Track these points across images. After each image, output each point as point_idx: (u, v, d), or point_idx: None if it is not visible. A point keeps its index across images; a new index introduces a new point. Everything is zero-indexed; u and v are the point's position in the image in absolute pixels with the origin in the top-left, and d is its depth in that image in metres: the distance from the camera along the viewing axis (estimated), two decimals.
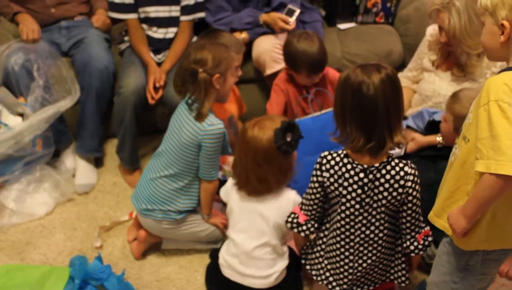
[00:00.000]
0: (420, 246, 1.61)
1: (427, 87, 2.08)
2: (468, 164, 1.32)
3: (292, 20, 2.47)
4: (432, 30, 2.13)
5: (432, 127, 2.00)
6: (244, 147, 1.69)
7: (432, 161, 1.93)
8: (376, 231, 1.58)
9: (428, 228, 1.61)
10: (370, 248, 1.60)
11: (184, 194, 1.97)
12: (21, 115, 2.30)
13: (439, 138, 1.94)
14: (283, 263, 1.80)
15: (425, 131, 2.03)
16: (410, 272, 1.72)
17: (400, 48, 2.78)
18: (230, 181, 1.83)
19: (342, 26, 2.84)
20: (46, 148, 2.32)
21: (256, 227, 1.73)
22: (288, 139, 1.65)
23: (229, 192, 1.82)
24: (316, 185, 1.59)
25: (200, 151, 1.87)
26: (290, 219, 1.69)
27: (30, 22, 2.41)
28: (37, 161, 2.30)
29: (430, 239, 1.62)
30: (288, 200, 1.74)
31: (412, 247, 1.61)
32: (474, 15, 1.85)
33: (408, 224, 1.58)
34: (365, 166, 1.50)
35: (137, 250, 2.09)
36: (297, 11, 2.48)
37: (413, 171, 1.51)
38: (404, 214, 1.57)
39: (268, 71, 2.50)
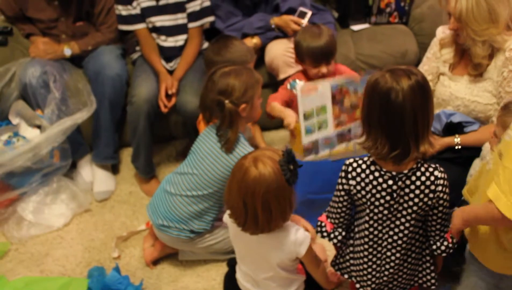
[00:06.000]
0: (450, 245, 1.58)
1: (443, 91, 2.05)
2: None
3: (305, 22, 2.45)
4: (442, 31, 2.10)
5: (450, 129, 1.96)
6: (250, 189, 1.48)
7: (452, 163, 1.89)
8: (404, 237, 1.55)
9: None
10: (398, 254, 1.58)
11: (199, 218, 1.95)
12: (39, 127, 2.32)
13: (457, 139, 1.91)
14: (298, 280, 1.75)
15: (442, 133, 1.99)
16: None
17: (416, 47, 2.73)
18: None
19: (356, 27, 2.80)
20: (64, 159, 2.34)
21: (262, 265, 1.67)
22: (291, 168, 1.51)
23: (229, 223, 1.68)
24: (342, 193, 1.57)
25: None
26: (319, 229, 1.67)
27: (41, 45, 2.42)
28: (55, 172, 2.31)
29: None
30: (289, 242, 1.60)
31: (443, 247, 1.59)
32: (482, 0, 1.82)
33: (438, 226, 1.57)
34: (394, 173, 1.47)
35: (150, 256, 2.08)
36: (309, 13, 2.47)
37: (443, 175, 1.48)
38: (434, 217, 1.55)
39: (282, 76, 2.48)
